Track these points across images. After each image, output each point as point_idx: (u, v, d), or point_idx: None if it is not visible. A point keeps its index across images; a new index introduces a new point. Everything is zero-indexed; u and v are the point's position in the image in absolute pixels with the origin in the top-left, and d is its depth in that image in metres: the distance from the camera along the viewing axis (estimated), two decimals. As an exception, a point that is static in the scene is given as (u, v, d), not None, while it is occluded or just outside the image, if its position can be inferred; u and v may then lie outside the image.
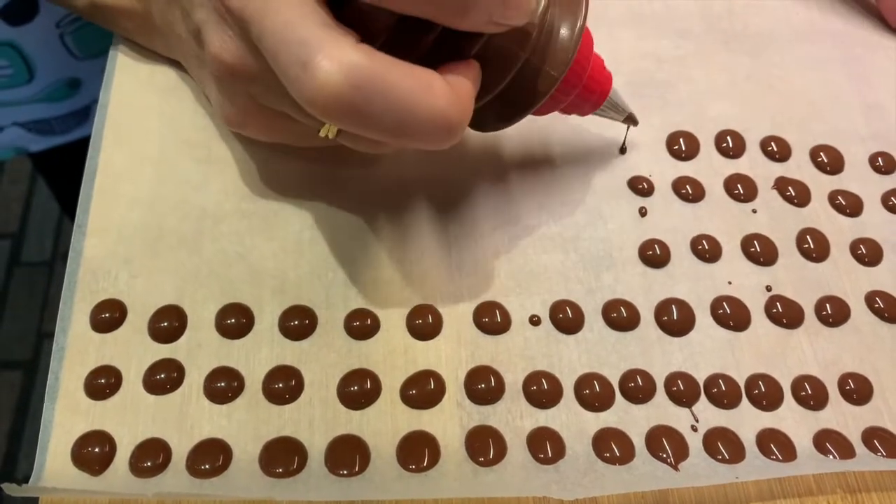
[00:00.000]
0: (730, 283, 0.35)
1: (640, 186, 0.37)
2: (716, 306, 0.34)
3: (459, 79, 0.26)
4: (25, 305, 1.39)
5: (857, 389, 0.33)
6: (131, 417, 0.31)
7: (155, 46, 0.37)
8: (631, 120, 0.37)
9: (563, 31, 0.30)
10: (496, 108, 0.31)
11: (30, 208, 1.49)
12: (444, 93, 0.24)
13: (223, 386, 0.31)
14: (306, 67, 0.23)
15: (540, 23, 0.29)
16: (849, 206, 0.38)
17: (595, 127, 0.38)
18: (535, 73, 0.30)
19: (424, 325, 0.33)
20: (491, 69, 0.28)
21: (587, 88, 0.33)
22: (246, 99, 0.30)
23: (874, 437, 0.32)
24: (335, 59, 0.23)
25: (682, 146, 0.39)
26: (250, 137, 0.34)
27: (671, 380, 0.33)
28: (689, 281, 0.35)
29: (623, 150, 0.38)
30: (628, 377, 0.32)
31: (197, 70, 0.35)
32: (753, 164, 0.39)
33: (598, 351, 0.33)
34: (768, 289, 0.35)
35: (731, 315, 0.34)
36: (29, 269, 1.42)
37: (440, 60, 0.27)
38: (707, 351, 0.33)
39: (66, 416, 0.30)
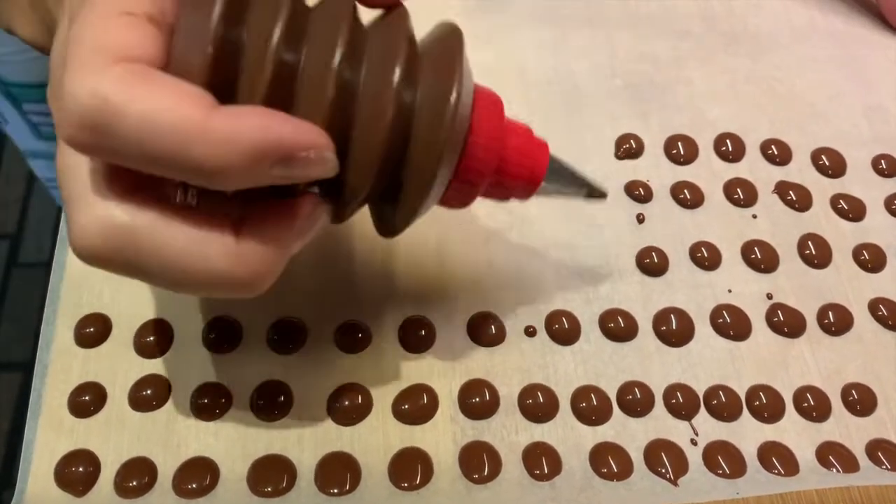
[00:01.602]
0: (730, 291, 0.34)
1: (638, 192, 0.36)
2: (715, 315, 0.34)
3: (257, 232, 0.22)
4: (24, 306, 1.39)
5: (861, 400, 0.32)
6: (116, 435, 0.30)
7: None
8: (594, 195, 0.29)
9: (428, 119, 0.23)
10: (387, 211, 0.25)
11: (28, 209, 1.48)
12: (223, 255, 0.21)
13: (210, 402, 0.30)
14: (70, 223, 0.21)
15: (393, 117, 0.22)
16: (851, 210, 0.37)
17: (591, 131, 0.38)
18: (408, 172, 0.24)
19: (417, 337, 0.32)
20: (346, 180, 0.23)
21: (506, 173, 0.26)
22: None
23: (878, 449, 0.31)
24: (92, 217, 0.21)
25: (680, 150, 0.38)
26: None
27: (670, 392, 0.32)
28: (688, 289, 0.34)
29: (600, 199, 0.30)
30: (626, 389, 0.32)
31: None
32: (753, 167, 0.38)
33: (595, 362, 0.32)
34: (769, 296, 0.34)
35: (732, 324, 0.33)
36: (27, 269, 1.41)
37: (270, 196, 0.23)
38: (707, 361, 0.33)
39: (49, 434, 0.30)
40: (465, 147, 0.24)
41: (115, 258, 0.21)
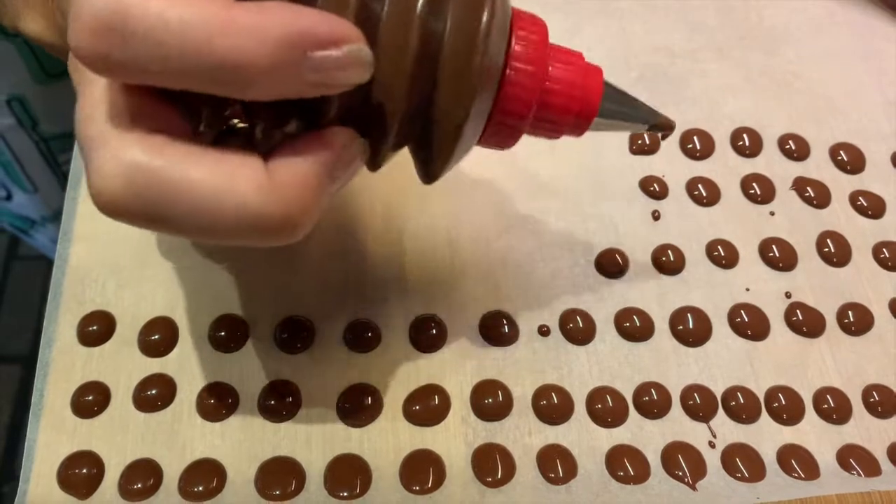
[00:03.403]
0: (747, 289, 0.33)
1: (653, 188, 0.35)
2: (733, 314, 0.33)
3: (289, 163, 0.20)
4: (24, 300, 1.38)
5: (882, 401, 0.31)
6: (120, 437, 0.29)
7: None
8: (662, 126, 0.27)
9: (457, 49, 0.20)
10: (427, 154, 0.23)
11: (27, 202, 1.47)
12: (255, 188, 0.19)
13: (217, 402, 0.30)
14: (88, 166, 0.19)
15: (419, 48, 0.20)
16: (871, 207, 0.36)
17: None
18: (438, 111, 0.21)
19: (428, 336, 0.31)
20: (374, 120, 0.21)
21: (551, 107, 0.23)
22: None
23: (900, 452, 0.30)
24: (112, 159, 0.19)
25: (696, 145, 0.37)
26: None
27: (687, 393, 0.31)
28: (704, 288, 0.33)
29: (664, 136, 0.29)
30: (642, 390, 0.31)
31: None
32: (770, 162, 0.37)
33: (611, 363, 0.31)
34: (788, 295, 0.33)
35: (749, 323, 0.33)
36: (27, 262, 1.40)
37: (307, 123, 0.21)
38: (724, 362, 0.32)
39: (52, 435, 0.29)
40: (504, 77, 0.22)
41: (137, 204, 0.19)
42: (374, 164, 0.23)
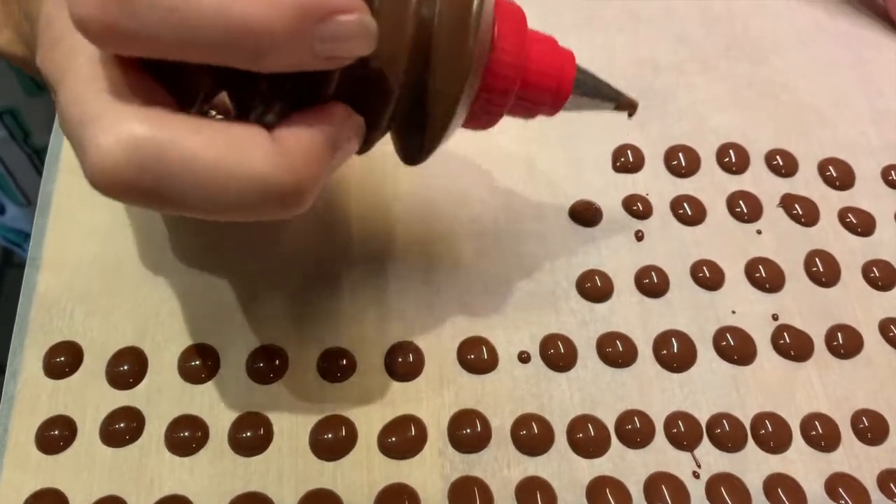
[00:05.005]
0: (733, 312, 0.33)
1: (636, 207, 0.35)
2: (718, 338, 0.32)
3: (295, 132, 0.20)
4: (16, 309, 1.37)
5: (872, 428, 0.31)
6: (86, 473, 0.28)
7: None
8: (625, 106, 0.28)
9: (451, 28, 0.22)
10: (412, 136, 0.24)
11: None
12: (263, 154, 0.19)
13: (186, 436, 0.29)
14: (83, 146, 0.19)
15: (414, 22, 0.21)
16: (860, 224, 0.35)
17: (588, 141, 0.36)
18: (430, 92, 0.23)
19: (404, 363, 0.31)
20: (369, 100, 0.22)
21: (532, 85, 0.25)
22: None
23: (891, 480, 0.30)
24: (111, 134, 0.18)
25: (681, 161, 0.36)
26: None
27: (671, 420, 0.30)
28: (689, 311, 0.32)
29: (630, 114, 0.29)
30: (625, 419, 0.30)
31: None
32: (758, 179, 0.36)
33: (592, 390, 0.31)
34: (775, 318, 0.33)
35: (736, 347, 0.32)
36: (20, 271, 1.39)
37: (298, 104, 0.21)
38: (709, 388, 0.31)
39: (15, 473, 0.28)
40: (489, 61, 0.23)
41: (141, 178, 0.18)
42: (365, 145, 0.23)
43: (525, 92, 0.25)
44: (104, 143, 0.18)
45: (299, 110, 0.21)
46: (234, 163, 0.19)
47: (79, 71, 0.20)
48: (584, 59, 0.39)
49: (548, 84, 0.25)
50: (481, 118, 0.25)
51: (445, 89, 0.22)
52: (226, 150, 0.19)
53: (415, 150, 0.25)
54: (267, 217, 0.20)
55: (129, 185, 0.18)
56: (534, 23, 0.39)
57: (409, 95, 0.22)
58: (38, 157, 0.59)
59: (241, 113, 0.21)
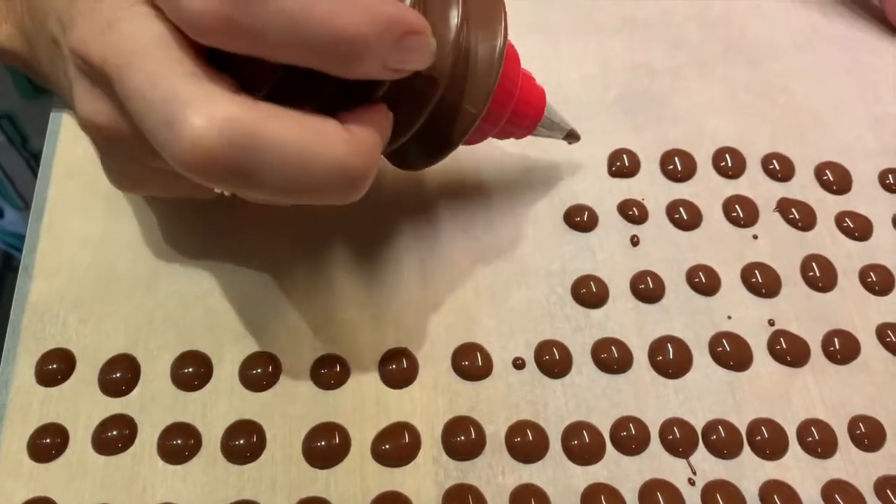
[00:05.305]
0: (729, 317, 0.32)
1: (632, 212, 0.34)
2: (714, 344, 0.32)
3: (360, 124, 0.23)
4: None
5: (869, 434, 0.30)
6: (78, 481, 0.28)
7: (51, 90, 0.34)
8: (572, 137, 0.33)
9: (481, 61, 0.27)
10: (420, 146, 0.28)
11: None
12: (342, 141, 0.21)
13: (179, 444, 0.29)
14: (173, 126, 0.20)
15: (454, 53, 0.25)
16: (857, 228, 0.35)
17: (583, 146, 0.36)
18: (453, 109, 0.27)
19: (398, 370, 0.30)
20: (403, 109, 0.25)
21: (518, 113, 0.30)
22: (130, 162, 0.26)
23: (887, 486, 0.29)
24: (205, 114, 0.20)
25: (677, 166, 0.36)
26: None
27: (666, 427, 0.30)
28: (685, 316, 0.32)
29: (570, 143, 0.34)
30: (620, 425, 0.30)
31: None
32: (754, 184, 0.36)
33: (587, 396, 0.30)
34: (771, 323, 0.32)
35: (731, 353, 0.32)
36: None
37: (342, 106, 0.23)
38: (705, 394, 0.31)
39: (7, 481, 0.28)
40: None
41: (233, 156, 0.20)
42: (389, 147, 0.26)
43: (511, 117, 0.29)
44: (198, 123, 0.19)
45: (352, 108, 0.23)
46: (318, 148, 0.21)
47: (152, 55, 0.21)
48: (580, 64, 0.39)
49: (528, 112, 0.30)
50: (474, 136, 0.29)
51: (472, 109, 0.27)
52: (311, 135, 0.21)
53: (416, 158, 0.29)
54: (333, 200, 0.22)
55: (220, 163, 0.20)
56: (531, 27, 0.40)
57: (433, 110, 0.26)
58: (35, 161, 0.59)
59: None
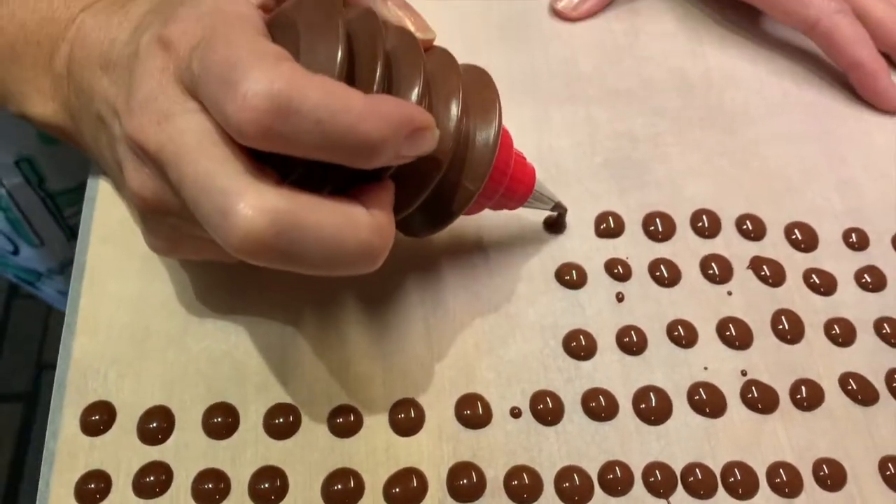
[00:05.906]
0: (706, 368, 0.36)
1: (617, 270, 0.38)
2: (692, 393, 0.35)
3: (379, 207, 0.26)
4: (24, 337, 1.40)
5: (831, 475, 0.34)
6: (120, 524, 0.31)
7: (90, 158, 0.38)
8: (559, 208, 0.37)
9: (479, 144, 0.31)
10: (424, 216, 0.32)
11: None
12: (367, 224, 0.25)
13: (210, 488, 0.32)
14: (227, 216, 0.23)
15: (455, 139, 0.29)
16: (823, 284, 0.38)
17: (572, 209, 0.39)
18: (454, 186, 0.31)
19: (407, 419, 0.34)
20: (410, 186, 0.29)
21: (510, 189, 0.33)
22: (170, 229, 0.30)
23: (848, 523, 0.33)
24: (256, 206, 0.23)
25: (658, 227, 0.40)
26: None
27: (649, 470, 0.33)
28: (665, 367, 0.36)
29: (559, 230, 0.39)
30: (607, 469, 0.33)
31: (125, 194, 0.35)
32: (728, 243, 0.39)
33: (578, 443, 0.34)
34: (743, 373, 0.36)
35: (708, 401, 0.35)
36: (29, 301, 1.42)
37: (357, 184, 0.27)
38: (683, 439, 0.34)
39: (57, 524, 0.31)
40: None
41: (278, 243, 0.24)
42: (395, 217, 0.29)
43: (504, 192, 0.33)
44: (249, 213, 0.23)
45: (365, 185, 0.27)
46: (350, 232, 0.25)
47: (205, 150, 0.25)
48: (569, 131, 0.43)
49: (519, 189, 0.34)
50: (472, 208, 0.33)
51: (471, 186, 0.31)
52: (343, 220, 0.25)
53: (421, 227, 0.33)
54: (356, 273, 0.26)
55: (268, 247, 0.24)
56: (521, 96, 0.43)
57: (436, 186, 0.30)
58: (52, 200, 0.62)
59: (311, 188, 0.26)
